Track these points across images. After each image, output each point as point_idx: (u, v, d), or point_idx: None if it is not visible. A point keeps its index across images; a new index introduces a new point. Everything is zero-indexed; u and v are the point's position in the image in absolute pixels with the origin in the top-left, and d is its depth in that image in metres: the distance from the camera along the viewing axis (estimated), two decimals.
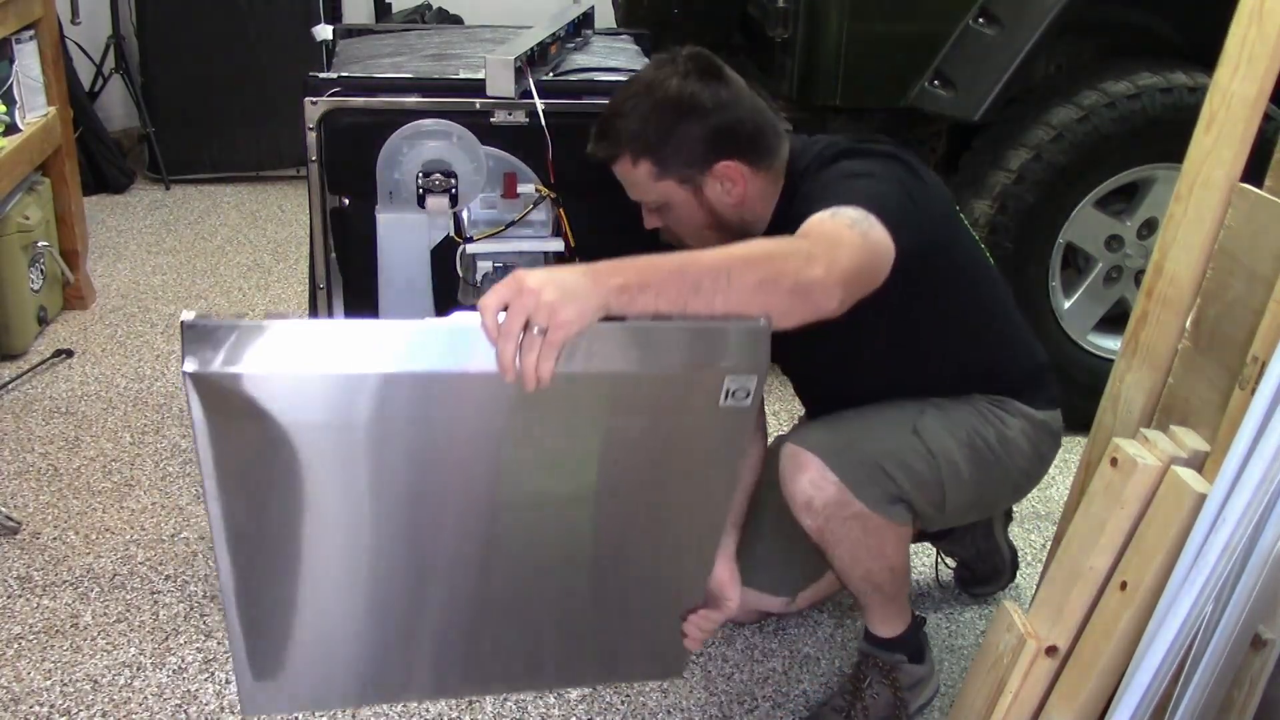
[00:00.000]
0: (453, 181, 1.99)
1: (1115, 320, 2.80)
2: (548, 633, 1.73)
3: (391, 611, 1.64)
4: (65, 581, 2.28)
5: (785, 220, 1.71)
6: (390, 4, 4.82)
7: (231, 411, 1.39)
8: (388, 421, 1.44)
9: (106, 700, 2.00)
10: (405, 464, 1.50)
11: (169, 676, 2.05)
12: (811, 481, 1.77)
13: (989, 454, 1.89)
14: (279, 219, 4.29)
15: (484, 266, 2.06)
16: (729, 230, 1.83)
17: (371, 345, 1.40)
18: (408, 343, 1.40)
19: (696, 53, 1.82)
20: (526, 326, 1.30)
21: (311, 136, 1.96)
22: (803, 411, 2.16)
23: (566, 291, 1.31)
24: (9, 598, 2.23)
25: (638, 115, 1.78)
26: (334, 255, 2.11)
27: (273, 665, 1.64)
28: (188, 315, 1.33)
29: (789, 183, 1.86)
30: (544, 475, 1.55)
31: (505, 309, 1.31)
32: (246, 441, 1.43)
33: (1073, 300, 2.86)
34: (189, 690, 2.02)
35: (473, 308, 1.45)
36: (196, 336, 1.33)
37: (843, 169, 1.76)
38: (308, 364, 1.39)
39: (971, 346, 1.93)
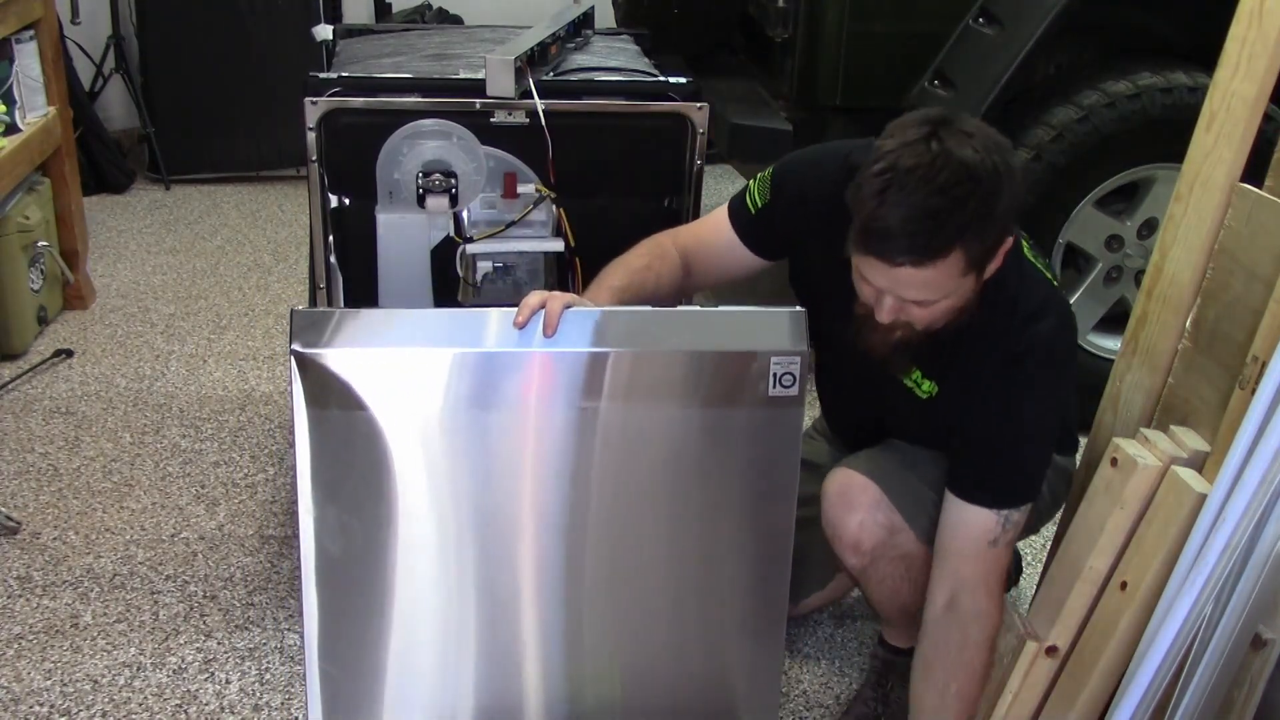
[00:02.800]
0: (453, 181, 1.99)
1: (1115, 320, 2.80)
2: (631, 658, 1.77)
3: (470, 633, 1.71)
4: (65, 581, 2.28)
5: (958, 347, 1.67)
6: (390, 4, 4.81)
7: (331, 396, 1.53)
8: (475, 402, 1.58)
9: (106, 700, 2.00)
10: (489, 448, 1.62)
11: (169, 676, 2.05)
12: (862, 524, 1.77)
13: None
14: (279, 219, 4.29)
15: (484, 266, 2.06)
16: (965, 313, 1.64)
17: (462, 328, 1.57)
18: (497, 325, 1.57)
19: (950, 115, 1.56)
20: None
21: (311, 136, 1.96)
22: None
23: None
24: (9, 598, 2.23)
25: (974, 203, 1.49)
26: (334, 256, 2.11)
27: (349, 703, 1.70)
28: (297, 306, 1.54)
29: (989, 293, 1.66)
30: (616, 466, 1.65)
31: None
32: (344, 434, 1.56)
33: (1073, 300, 2.85)
34: (189, 690, 2.02)
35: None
36: (302, 321, 1.52)
37: (1028, 422, 1.69)
38: (402, 342, 1.55)
39: None
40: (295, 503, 1.59)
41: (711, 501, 1.68)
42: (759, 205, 1.84)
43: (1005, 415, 1.68)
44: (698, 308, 1.64)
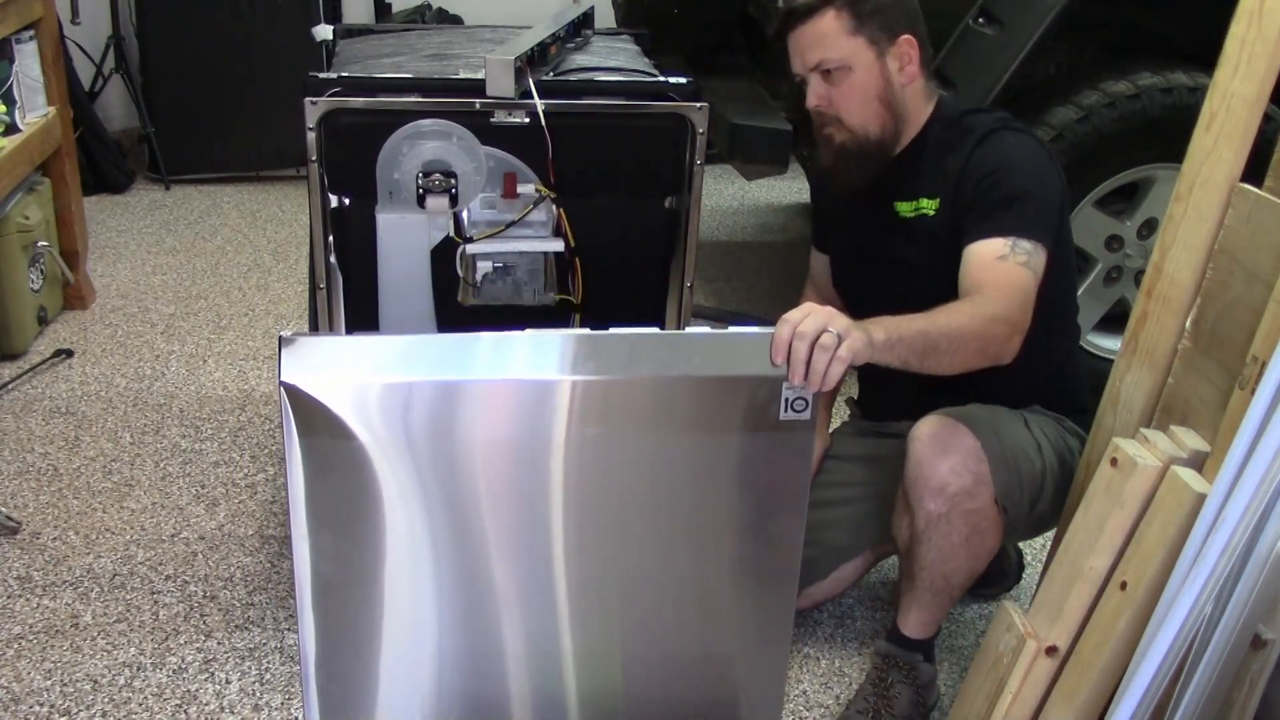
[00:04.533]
0: (453, 181, 1.99)
1: (1115, 320, 2.80)
2: (633, 675, 1.75)
3: (467, 651, 1.69)
4: (65, 581, 2.28)
5: (937, 147, 1.98)
6: (390, 4, 4.82)
7: (321, 425, 1.49)
8: (472, 429, 1.54)
9: (106, 700, 2.00)
10: (482, 479, 1.58)
11: (169, 676, 2.05)
12: (953, 468, 1.81)
13: (1070, 463, 1.95)
14: (279, 219, 4.29)
15: (484, 266, 2.06)
16: (892, 112, 1.97)
17: (457, 355, 1.52)
18: (494, 352, 1.52)
19: None
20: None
21: (311, 136, 1.96)
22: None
23: (852, 324, 1.56)
24: (9, 598, 2.23)
25: None
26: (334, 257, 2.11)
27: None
28: (285, 331, 1.48)
29: (939, 115, 2.02)
30: (621, 489, 1.62)
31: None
32: (336, 461, 1.52)
33: None
34: (189, 690, 2.02)
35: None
36: (291, 348, 1.47)
37: (1013, 164, 1.91)
38: (394, 371, 1.50)
39: (1046, 351, 1.96)
40: (290, 526, 1.58)
41: (720, 523, 1.66)
42: (814, 215, 2.27)
43: (992, 164, 1.91)
44: (709, 330, 1.60)
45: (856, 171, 2.00)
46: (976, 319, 1.75)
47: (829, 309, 1.58)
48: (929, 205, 1.98)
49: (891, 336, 1.63)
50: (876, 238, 2.06)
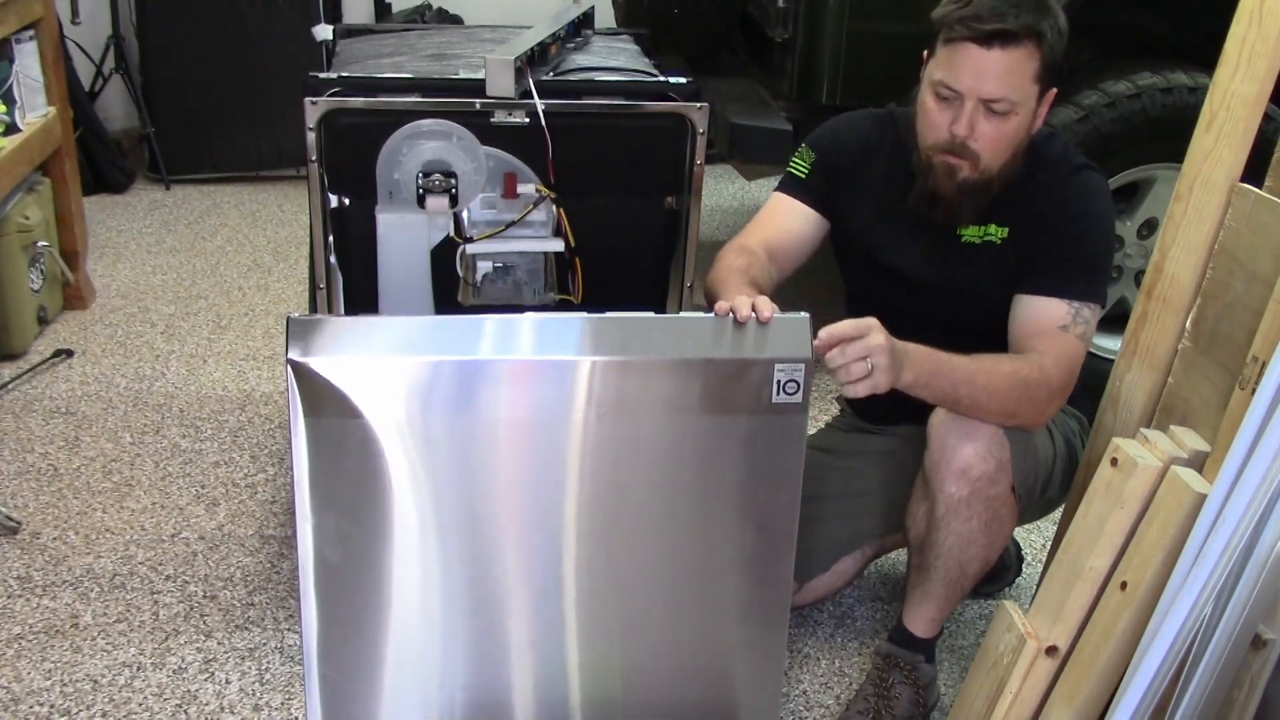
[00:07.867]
0: (453, 181, 1.99)
1: (1115, 320, 2.80)
2: (632, 664, 1.76)
3: (468, 638, 1.70)
4: (65, 581, 2.28)
5: (1026, 189, 1.89)
6: (390, 4, 4.82)
7: (328, 404, 1.52)
8: (472, 410, 1.57)
9: (106, 700, 2.00)
10: (486, 456, 1.60)
11: (169, 676, 2.05)
12: (976, 452, 1.80)
13: (1074, 444, 1.98)
14: (279, 219, 4.29)
15: (484, 266, 2.06)
16: (1014, 156, 1.86)
17: (459, 335, 1.55)
18: (494, 333, 1.55)
19: None
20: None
21: (311, 136, 1.96)
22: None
23: (890, 362, 1.63)
24: (9, 598, 2.23)
25: (1058, 18, 1.79)
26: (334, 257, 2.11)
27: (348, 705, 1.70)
28: (294, 313, 1.50)
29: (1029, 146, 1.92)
30: (617, 472, 1.64)
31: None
32: (341, 441, 1.54)
33: None
34: (189, 690, 2.02)
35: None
36: (298, 329, 1.50)
37: (1095, 218, 1.88)
38: (398, 350, 1.53)
39: None
40: (294, 508, 1.58)
41: (714, 508, 1.67)
42: (806, 169, 2.03)
43: (1076, 211, 1.86)
44: (701, 314, 1.62)
45: (972, 208, 1.89)
46: (1011, 395, 1.77)
47: (884, 341, 1.62)
48: (997, 232, 1.91)
49: (920, 380, 1.69)
50: (930, 258, 1.97)
